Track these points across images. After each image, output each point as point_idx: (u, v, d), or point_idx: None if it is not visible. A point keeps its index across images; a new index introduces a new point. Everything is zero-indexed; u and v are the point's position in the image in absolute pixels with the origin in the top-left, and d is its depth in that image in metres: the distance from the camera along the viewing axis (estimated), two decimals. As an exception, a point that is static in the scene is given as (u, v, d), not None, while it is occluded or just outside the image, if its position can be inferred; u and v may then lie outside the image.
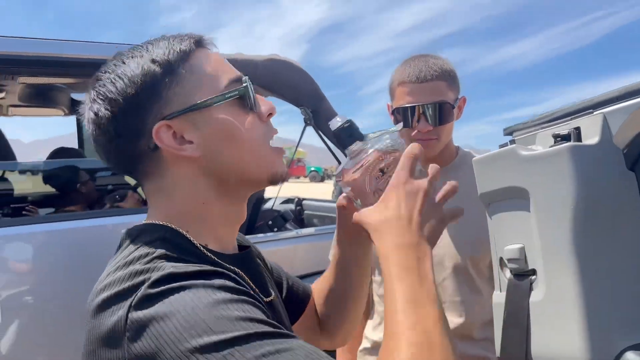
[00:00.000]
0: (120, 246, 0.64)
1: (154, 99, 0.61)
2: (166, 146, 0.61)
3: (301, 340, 0.50)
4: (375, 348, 1.32)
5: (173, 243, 0.59)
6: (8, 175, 2.42)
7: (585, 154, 0.63)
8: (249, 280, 0.65)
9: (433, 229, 0.64)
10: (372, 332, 1.33)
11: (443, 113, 1.19)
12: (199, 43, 0.66)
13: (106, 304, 0.53)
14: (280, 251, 1.90)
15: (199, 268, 0.54)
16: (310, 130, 2.03)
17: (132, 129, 0.61)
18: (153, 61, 0.61)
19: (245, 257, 0.72)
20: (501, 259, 0.72)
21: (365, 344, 1.36)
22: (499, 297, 0.71)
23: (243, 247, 0.76)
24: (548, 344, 0.63)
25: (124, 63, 0.62)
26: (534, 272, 0.66)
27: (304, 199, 3.33)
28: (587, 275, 0.59)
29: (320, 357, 0.47)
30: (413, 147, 0.67)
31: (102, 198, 2.32)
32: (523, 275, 0.67)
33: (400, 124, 0.76)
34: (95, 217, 1.63)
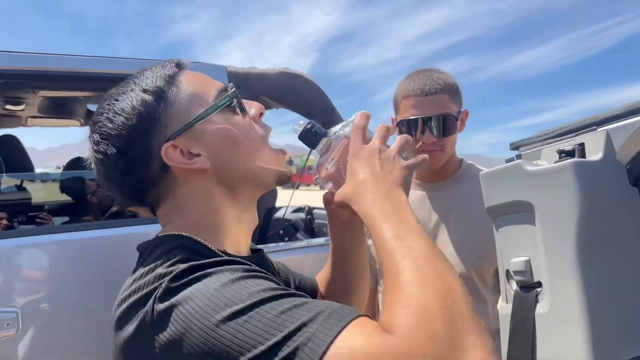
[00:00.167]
0: (140, 259, 0.67)
1: (154, 125, 0.64)
2: (177, 164, 0.64)
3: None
4: None
5: (192, 249, 0.62)
6: (26, 184, 2.48)
7: (589, 170, 0.64)
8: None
9: (399, 176, 0.65)
10: None
11: (447, 125, 1.21)
12: (180, 66, 0.70)
13: (131, 309, 0.55)
14: (291, 261, 1.92)
15: (217, 259, 0.57)
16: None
17: (141, 157, 0.65)
18: (144, 91, 0.65)
19: (259, 258, 0.75)
20: (507, 271, 0.74)
21: None
22: (505, 309, 0.73)
23: (254, 251, 0.79)
24: (554, 355, 0.64)
25: (117, 100, 0.65)
26: (539, 284, 0.68)
27: (314, 208, 3.35)
28: (591, 288, 0.61)
29: (334, 307, 0.50)
30: (360, 119, 0.70)
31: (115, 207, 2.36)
32: (529, 287, 0.69)
33: (358, 112, 0.77)
34: (111, 227, 1.66)
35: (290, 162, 30.54)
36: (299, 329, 0.47)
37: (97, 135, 0.66)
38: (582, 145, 0.68)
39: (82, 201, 2.51)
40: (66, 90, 2.18)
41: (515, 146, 0.82)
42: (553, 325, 0.65)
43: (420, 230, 0.57)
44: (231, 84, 0.71)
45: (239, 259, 0.62)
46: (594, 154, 0.66)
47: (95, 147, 0.66)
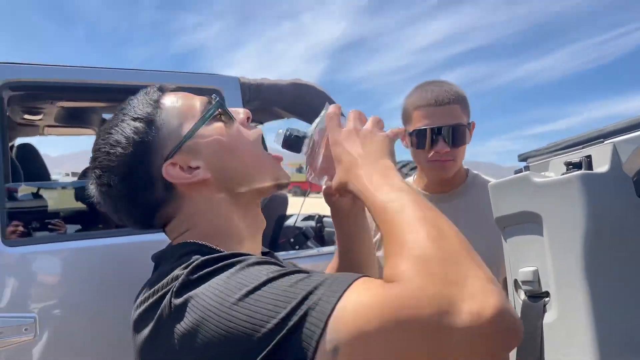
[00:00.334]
0: (156, 266, 0.69)
1: (150, 149, 0.67)
2: (179, 180, 0.67)
3: None
4: None
5: (206, 254, 0.63)
6: (43, 192, 2.53)
7: (596, 182, 0.66)
8: None
9: (380, 147, 0.67)
10: None
11: (460, 135, 1.23)
12: (162, 89, 0.73)
13: (149, 310, 0.57)
14: (302, 269, 1.93)
15: (229, 252, 0.59)
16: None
17: (145, 182, 0.67)
18: (135, 119, 0.68)
19: (270, 257, 0.77)
20: (516, 281, 0.75)
21: None
22: (513, 318, 0.74)
23: (264, 254, 0.81)
24: (562, 364, 0.65)
25: (110, 133, 0.68)
26: (547, 294, 0.69)
27: (324, 216, 3.36)
28: (598, 298, 0.62)
29: (338, 274, 0.52)
30: (332, 108, 0.73)
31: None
32: (537, 296, 0.70)
33: (327, 105, 0.78)
34: (125, 234, 1.69)
35: (300, 170, 30.59)
36: (306, 297, 0.49)
37: (98, 170, 0.69)
38: (589, 157, 0.69)
39: (96, 209, 2.55)
40: (83, 101, 2.23)
41: (523, 157, 0.84)
42: (561, 334, 0.66)
43: (410, 190, 0.58)
44: (214, 94, 0.73)
45: (250, 253, 0.64)
46: (601, 166, 0.67)
47: (98, 181, 0.69)
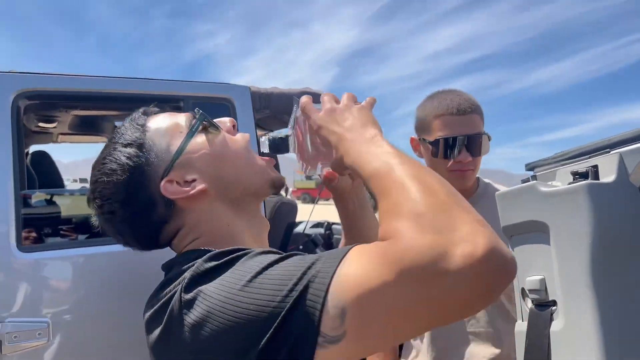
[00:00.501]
0: (166, 274, 0.71)
1: (145, 171, 0.69)
2: (178, 194, 0.69)
3: None
4: None
5: None
6: (56, 198, 2.57)
7: (602, 192, 0.66)
8: None
9: (360, 117, 0.69)
10: None
11: (482, 144, 1.22)
12: (147, 113, 0.76)
13: (160, 310, 0.60)
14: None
15: (234, 247, 0.61)
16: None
17: (145, 203, 0.70)
18: (125, 146, 0.70)
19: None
20: (523, 289, 0.75)
21: None
22: (520, 326, 0.75)
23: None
24: (569, 373, 0.66)
25: (105, 163, 0.71)
26: (554, 302, 0.69)
27: (333, 223, 3.37)
28: (605, 307, 0.63)
29: (340, 249, 0.54)
30: (303, 99, 0.75)
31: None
32: (544, 305, 0.71)
33: (296, 99, 0.79)
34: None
35: (310, 177, 30.63)
36: (305, 272, 0.51)
37: (99, 200, 0.71)
38: (595, 167, 0.70)
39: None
40: (97, 110, 2.27)
41: (530, 167, 0.85)
42: (567, 343, 0.66)
43: (396, 152, 0.60)
44: (197, 108, 0.76)
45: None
46: (607, 176, 0.68)
47: (100, 211, 0.72)
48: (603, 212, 0.65)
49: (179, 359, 0.57)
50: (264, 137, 0.80)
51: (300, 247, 2.49)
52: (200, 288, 0.56)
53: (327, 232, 3.32)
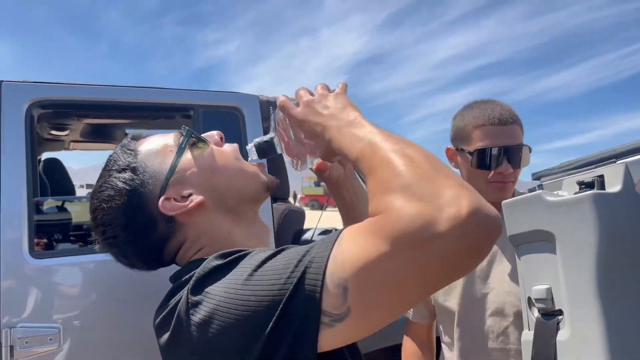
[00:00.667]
0: (174, 284, 0.72)
1: (142, 193, 0.72)
2: (177, 210, 0.71)
3: None
4: None
5: None
6: (67, 205, 2.60)
7: (608, 201, 0.67)
8: None
9: (337, 102, 0.70)
10: None
11: (524, 156, 1.19)
12: (135, 138, 0.78)
13: (169, 313, 0.61)
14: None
15: (238, 249, 0.63)
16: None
17: (146, 223, 0.72)
18: (120, 171, 0.73)
19: None
20: (529, 299, 0.76)
21: None
22: (527, 335, 0.75)
23: None
24: (575, 382, 0.66)
25: (102, 191, 0.73)
26: (561, 312, 0.69)
27: (341, 231, 3.36)
28: (611, 317, 0.63)
29: (332, 234, 0.56)
30: (280, 98, 0.76)
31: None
32: (550, 314, 0.71)
33: (273, 110, 0.81)
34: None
35: (318, 184, 30.63)
36: (301, 260, 0.54)
37: (101, 227, 0.73)
38: (601, 177, 0.70)
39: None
40: (108, 118, 2.31)
41: (537, 176, 0.85)
42: (574, 352, 0.66)
43: (376, 130, 0.62)
44: (183, 125, 0.78)
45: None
46: (613, 186, 0.68)
47: (103, 237, 0.74)
48: (609, 222, 0.65)
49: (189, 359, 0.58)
50: (249, 145, 0.81)
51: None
52: (205, 289, 0.57)
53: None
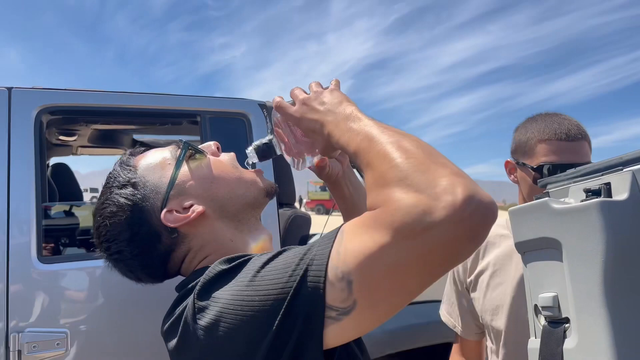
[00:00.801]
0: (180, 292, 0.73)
1: (144, 207, 0.73)
2: (180, 221, 0.72)
3: None
4: None
5: None
6: (75, 210, 2.62)
7: (615, 209, 0.66)
8: None
9: (332, 97, 0.71)
10: None
11: None
12: (133, 154, 0.80)
13: (177, 319, 0.62)
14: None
15: (242, 254, 0.64)
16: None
17: (150, 236, 0.73)
18: (120, 187, 0.74)
19: None
20: (536, 306, 0.75)
21: None
22: (533, 343, 0.74)
23: None
24: (582, 391, 0.65)
25: (104, 208, 0.74)
26: (567, 320, 0.69)
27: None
28: (618, 325, 0.62)
29: (331, 231, 0.57)
30: (275, 99, 0.77)
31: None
32: (557, 322, 0.70)
33: (275, 113, 0.80)
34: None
35: (324, 188, 30.63)
36: (302, 258, 0.55)
37: (105, 243, 0.74)
38: (608, 184, 0.70)
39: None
40: (116, 124, 2.32)
41: (543, 184, 0.85)
42: (581, 361, 0.66)
43: (372, 123, 0.63)
44: (180, 139, 0.80)
45: None
46: (620, 193, 0.68)
47: (108, 253, 0.75)
48: (615, 230, 0.65)
49: None
50: (249, 149, 0.82)
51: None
52: (211, 294, 0.58)
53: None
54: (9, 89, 1.56)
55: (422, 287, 0.53)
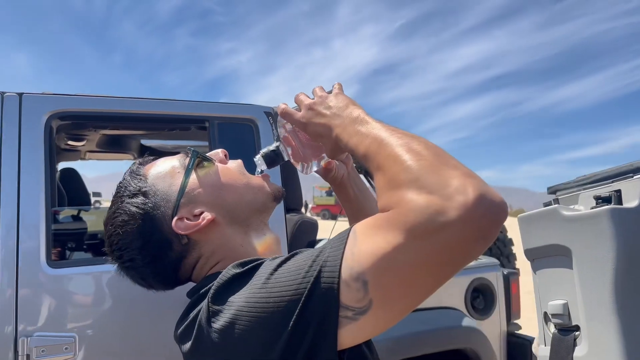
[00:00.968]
0: (192, 298, 0.74)
1: (155, 215, 0.73)
2: (191, 229, 0.73)
3: None
4: None
5: None
6: (83, 214, 2.64)
7: (626, 216, 0.66)
8: None
9: (338, 101, 0.71)
10: None
11: None
12: (142, 163, 0.81)
13: (191, 323, 0.63)
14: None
15: (255, 257, 0.65)
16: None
17: (161, 244, 0.74)
18: (131, 197, 0.75)
19: None
20: (545, 314, 0.75)
21: None
22: (543, 351, 0.74)
23: None
24: (593, 400, 0.65)
25: (115, 217, 0.75)
26: (577, 327, 0.69)
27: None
28: (628, 333, 0.62)
29: (342, 232, 0.57)
30: (280, 106, 0.78)
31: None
32: (567, 330, 0.70)
33: (281, 120, 0.81)
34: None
35: (330, 193, 30.60)
36: (315, 260, 0.55)
37: (117, 252, 0.75)
38: (618, 192, 0.70)
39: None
40: (124, 129, 2.34)
41: (552, 190, 0.85)
42: (592, 369, 0.65)
43: (380, 126, 0.63)
44: (188, 147, 0.80)
45: None
46: (630, 200, 0.68)
47: (120, 261, 0.76)
48: (626, 237, 0.65)
49: None
50: (257, 157, 0.83)
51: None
52: (225, 297, 0.59)
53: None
54: (20, 95, 1.57)
55: (436, 285, 0.54)
